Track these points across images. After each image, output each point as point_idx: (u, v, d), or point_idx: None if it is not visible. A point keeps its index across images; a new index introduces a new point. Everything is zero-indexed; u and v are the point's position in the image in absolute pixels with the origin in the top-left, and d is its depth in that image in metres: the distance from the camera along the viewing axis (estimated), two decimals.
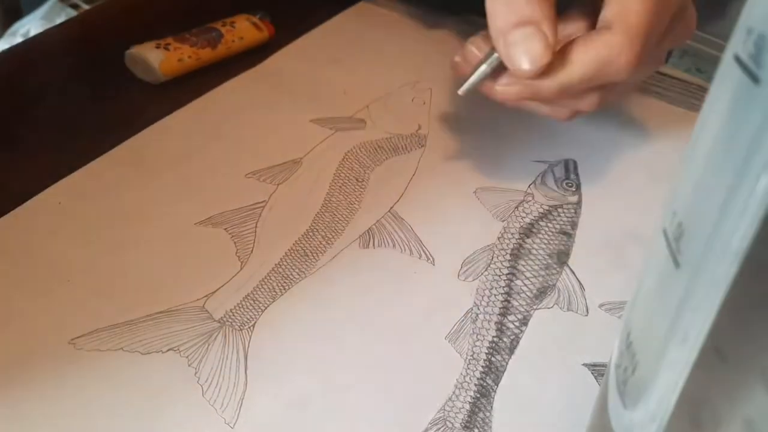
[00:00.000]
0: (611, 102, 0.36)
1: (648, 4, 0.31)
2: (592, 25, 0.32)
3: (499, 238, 0.34)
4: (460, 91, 0.33)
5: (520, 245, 0.33)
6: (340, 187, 0.35)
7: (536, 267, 0.32)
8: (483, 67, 0.32)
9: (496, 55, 0.32)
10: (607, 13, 0.31)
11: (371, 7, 0.49)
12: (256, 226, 0.33)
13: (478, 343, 0.29)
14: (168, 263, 0.31)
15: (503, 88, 0.32)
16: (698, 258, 0.16)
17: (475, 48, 0.34)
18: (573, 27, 0.33)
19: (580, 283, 0.32)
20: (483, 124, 0.40)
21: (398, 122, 0.40)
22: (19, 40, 0.83)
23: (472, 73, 0.33)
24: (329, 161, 0.37)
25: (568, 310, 0.31)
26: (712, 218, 0.15)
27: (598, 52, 0.31)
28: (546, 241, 0.34)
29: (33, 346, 0.27)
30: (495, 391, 0.27)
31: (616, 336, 0.21)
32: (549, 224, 0.35)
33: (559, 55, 0.31)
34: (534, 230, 0.34)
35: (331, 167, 0.36)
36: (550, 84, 0.31)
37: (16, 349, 0.27)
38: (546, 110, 0.34)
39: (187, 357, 0.27)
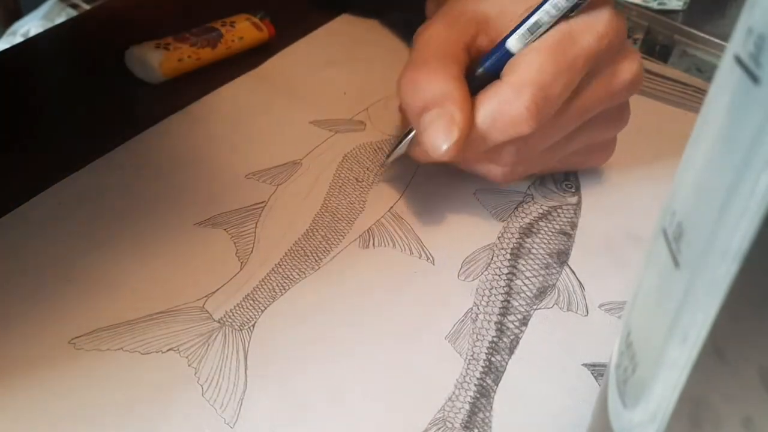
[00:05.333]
0: (550, 164, 0.35)
1: (543, 51, 0.30)
2: None
3: (499, 238, 0.34)
4: (386, 163, 0.36)
5: (520, 245, 0.33)
6: (339, 187, 0.35)
7: (536, 266, 0.32)
8: (406, 140, 0.34)
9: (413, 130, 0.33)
10: (505, 67, 0.31)
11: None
12: (255, 227, 0.33)
13: (478, 343, 0.29)
14: (168, 263, 0.31)
15: (418, 156, 0.33)
16: (698, 258, 0.16)
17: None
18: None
19: (580, 283, 0.32)
20: None
21: (398, 125, 0.40)
22: (19, 39, 0.83)
23: (396, 144, 0.35)
24: (329, 162, 0.37)
25: (568, 310, 0.31)
26: (712, 218, 0.15)
27: (489, 104, 0.30)
28: (546, 241, 0.34)
29: (33, 346, 0.27)
30: (495, 391, 0.28)
31: (616, 336, 0.21)
32: (549, 224, 0.35)
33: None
34: (534, 230, 0.34)
35: (330, 168, 0.36)
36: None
37: (16, 349, 0.27)
38: (479, 171, 0.34)
39: (187, 357, 0.27)
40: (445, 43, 0.32)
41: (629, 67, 0.32)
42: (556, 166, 0.36)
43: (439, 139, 0.30)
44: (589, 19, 0.31)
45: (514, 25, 0.31)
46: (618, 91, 0.33)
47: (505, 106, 0.30)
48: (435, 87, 0.30)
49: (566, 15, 0.30)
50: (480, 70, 0.32)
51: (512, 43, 0.31)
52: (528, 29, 0.31)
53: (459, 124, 0.29)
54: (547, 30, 0.30)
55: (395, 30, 0.48)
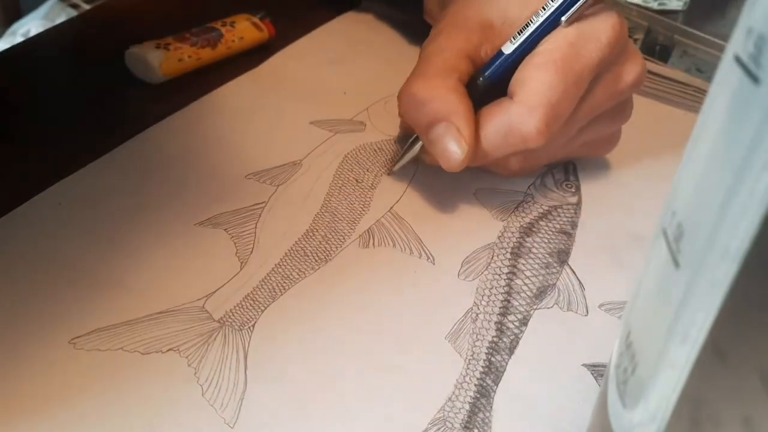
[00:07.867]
0: (558, 158, 0.37)
1: (551, 69, 0.30)
2: None
3: (499, 237, 0.34)
4: (394, 170, 0.36)
5: (520, 244, 0.33)
6: (339, 187, 0.35)
7: (536, 266, 0.32)
8: (414, 148, 0.35)
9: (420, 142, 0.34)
10: (512, 82, 0.32)
11: (371, 9, 0.49)
12: (255, 227, 0.33)
13: (478, 343, 0.29)
14: (168, 263, 0.31)
15: (430, 163, 0.34)
16: (698, 258, 0.16)
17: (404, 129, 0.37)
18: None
19: (581, 283, 0.32)
20: None
21: (398, 125, 0.40)
22: (19, 39, 0.83)
23: (403, 153, 0.36)
24: (329, 163, 0.37)
25: (568, 309, 0.31)
26: (712, 218, 0.15)
27: (500, 121, 0.31)
28: (546, 240, 0.34)
29: (33, 346, 0.27)
30: (495, 391, 0.28)
31: (616, 336, 0.21)
32: (549, 224, 0.35)
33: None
34: (534, 229, 0.34)
35: (330, 168, 0.36)
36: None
37: (16, 349, 0.27)
38: (488, 169, 0.35)
39: (187, 357, 0.27)
40: (446, 54, 0.32)
41: (632, 68, 0.33)
42: (563, 159, 0.37)
43: (450, 154, 0.31)
44: (592, 29, 0.31)
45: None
46: (621, 92, 0.34)
47: (516, 125, 0.31)
48: (438, 102, 0.31)
49: (559, 13, 0.31)
50: (481, 79, 0.33)
51: (505, 45, 0.32)
52: (518, 30, 0.32)
53: (466, 137, 0.31)
54: (537, 28, 0.31)
55: (396, 30, 0.48)
